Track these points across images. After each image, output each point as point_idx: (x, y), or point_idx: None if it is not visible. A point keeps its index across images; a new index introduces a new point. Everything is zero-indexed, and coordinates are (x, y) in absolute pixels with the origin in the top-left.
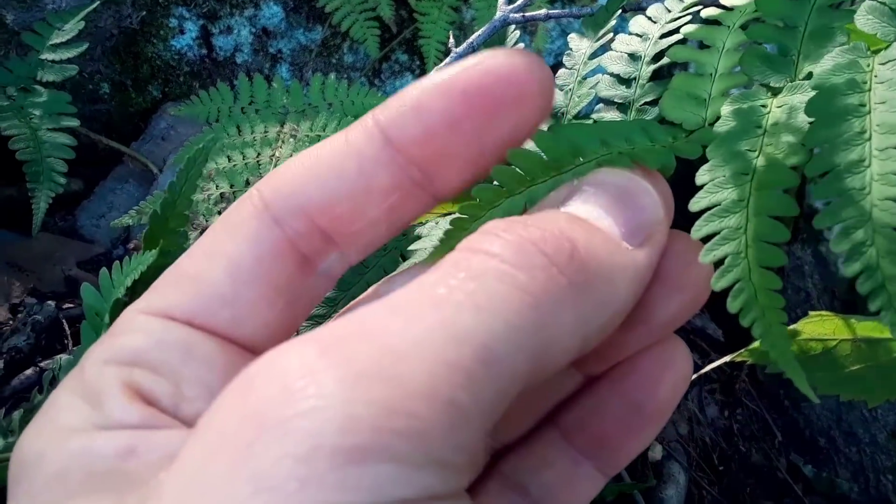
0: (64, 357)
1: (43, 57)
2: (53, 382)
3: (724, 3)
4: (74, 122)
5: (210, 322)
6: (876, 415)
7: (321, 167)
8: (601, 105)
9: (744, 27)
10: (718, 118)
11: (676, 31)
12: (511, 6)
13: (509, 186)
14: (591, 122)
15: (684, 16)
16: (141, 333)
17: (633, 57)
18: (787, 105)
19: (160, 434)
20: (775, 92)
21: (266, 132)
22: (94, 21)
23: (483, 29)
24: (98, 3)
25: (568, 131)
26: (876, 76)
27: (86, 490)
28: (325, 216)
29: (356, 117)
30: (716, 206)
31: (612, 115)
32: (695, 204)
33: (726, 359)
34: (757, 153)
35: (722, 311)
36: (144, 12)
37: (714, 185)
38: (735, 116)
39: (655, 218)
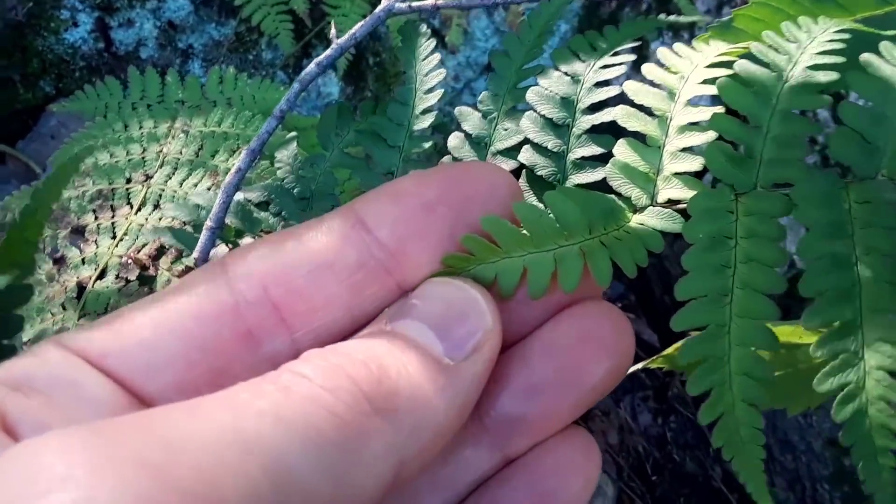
0: None
1: None
2: None
3: (670, 61)
4: None
5: (121, 366)
6: (811, 422)
7: (288, 237)
8: (528, 147)
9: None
10: (669, 200)
11: (609, 82)
12: None
13: (481, 255)
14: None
15: (619, 65)
16: (39, 360)
17: (566, 101)
18: (756, 215)
19: None
20: (739, 194)
21: (156, 127)
22: None
23: (366, 20)
24: None
25: (558, 205)
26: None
27: None
28: (280, 286)
29: (259, 113)
30: (699, 329)
31: (542, 161)
32: (677, 323)
33: (639, 366)
34: (732, 270)
35: (657, 317)
36: (31, 3)
37: (696, 305)
38: (704, 220)
39: (483, 327)
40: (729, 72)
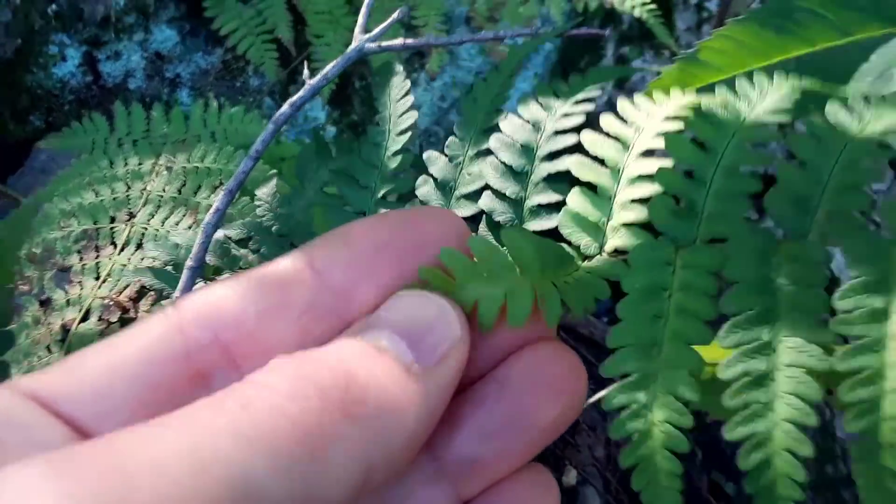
0: None
1: None
2: None
3: (627, 113)
4: None
5: (73, 409)
6: None
7: (241, 280)
8: (489, 192)
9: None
10: (616, 250)
11: (572, 130)
12: (366, 36)
13: (437, 286)
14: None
15: (578, 113)
16: None
17: (526, 148)
18: (692, 269)
19: None
20: (678, 248)
21: (140, 164)
22: None
23: (337, 60)
24: None
25: (514, 242)
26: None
27: None
28: (231, 329)
29: (241, 147)
30: (627, 376)
31: (501, 207)
32: (606, 370)
33: (598, 395)
34: (664, 321)
35: None
36: (19, 40)
37: (625, 353)
38: (642, 270)
39: (451, 336)
40: (681, 126)
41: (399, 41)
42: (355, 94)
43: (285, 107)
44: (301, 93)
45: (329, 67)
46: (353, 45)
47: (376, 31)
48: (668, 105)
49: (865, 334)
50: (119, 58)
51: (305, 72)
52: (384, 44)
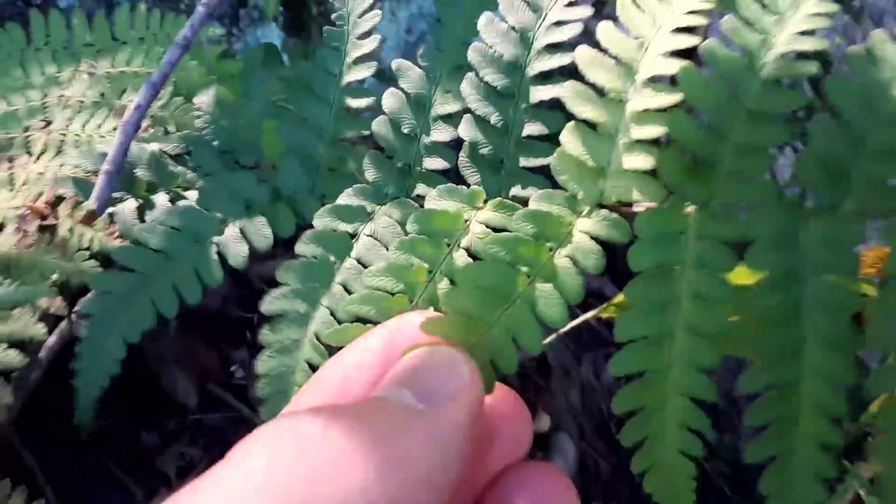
0: None
1: None
2: None
3: (630, 17)
4: None
5: None
6: None
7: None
8: (469, 118)
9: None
10: (619, 202)
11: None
12: None
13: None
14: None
15: (574, 21)
16: None
17: (512, 66)
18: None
19: None
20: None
21: (59, 72)
22: None
23: None
24: None
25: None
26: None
27: None
28: None
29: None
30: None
31: (483, 139)
32: (615, 367)
33: (590, 314)
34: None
35: (619, 272)
36: None
37: (634, 349)
38: (653, 248)
39: (456, 378)
40: (697, 41)
41: None
42: (313, 21)
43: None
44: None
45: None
46: None
47: None
48: (678, 4)
49: None
50: None
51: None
52: None
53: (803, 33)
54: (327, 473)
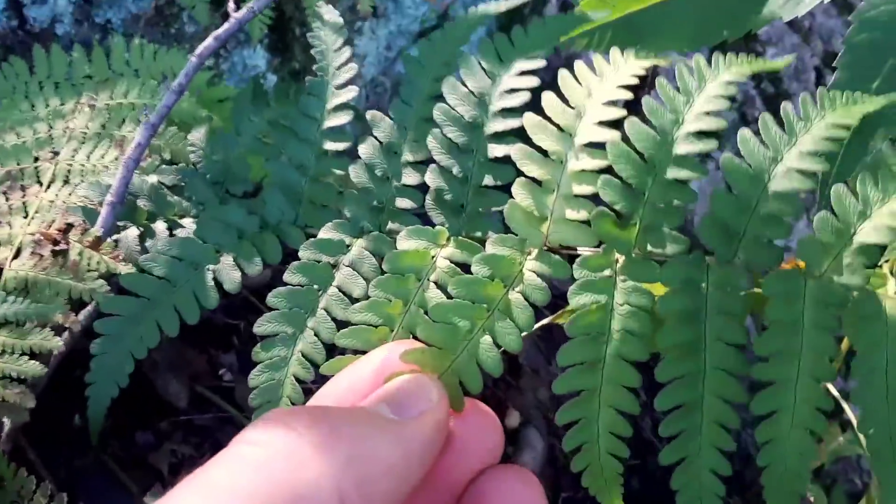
0: None
1: None
2: None
3: (569, 89)
4: None
5: None
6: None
7: None
8: (434, 168)
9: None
10: (560, 245)
11: (514, 111)
12: None
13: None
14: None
15: (523, 89)
16: None
17: (471, 125)
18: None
19: None
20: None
21: (62, 104)
22: None
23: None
24: None
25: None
26: None
27: None
28: None
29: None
30: (576, 392)
31: (446, 186)
32: (558, 386)
33: (546, 321)
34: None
35: None
36: None
37: (574, 372)
38: (588, 288)
39: (426, 400)
40: (624, 113)
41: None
42: (296, 41)
43: (209, 39)
44: (226, 25)
45: (256, 1)
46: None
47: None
48: (613, 78)
49: None
50: (45, 2)
51: (230, 4)
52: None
53: (707, 113)
54: (309, 460)
